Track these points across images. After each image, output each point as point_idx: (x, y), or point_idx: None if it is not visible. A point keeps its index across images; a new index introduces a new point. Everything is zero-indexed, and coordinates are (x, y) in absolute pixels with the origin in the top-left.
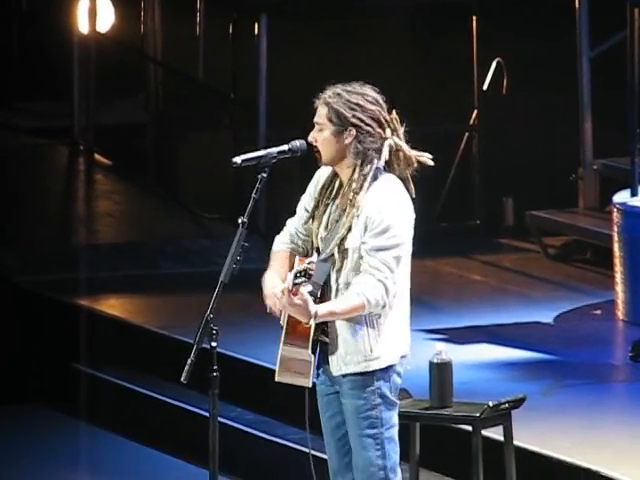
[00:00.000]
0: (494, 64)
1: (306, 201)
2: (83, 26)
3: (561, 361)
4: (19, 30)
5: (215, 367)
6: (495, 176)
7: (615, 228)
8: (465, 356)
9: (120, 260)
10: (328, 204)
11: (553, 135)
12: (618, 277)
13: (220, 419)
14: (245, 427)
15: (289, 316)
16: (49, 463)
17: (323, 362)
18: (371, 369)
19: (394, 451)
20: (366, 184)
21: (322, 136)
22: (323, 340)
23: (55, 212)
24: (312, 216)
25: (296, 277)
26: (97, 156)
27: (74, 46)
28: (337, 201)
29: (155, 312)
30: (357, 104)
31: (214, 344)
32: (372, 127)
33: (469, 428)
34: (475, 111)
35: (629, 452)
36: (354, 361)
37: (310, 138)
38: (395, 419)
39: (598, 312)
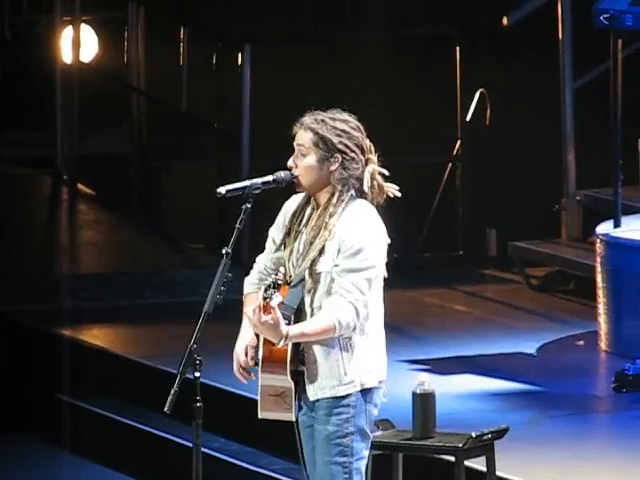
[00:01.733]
0: (477, 95)
1: (274, 233)
2: (67, 56)
3: (544, 392)
4: (2, 59)
5: (199, 397)
6: (478, 207)
7: (598, 259)
8: (448, 387)
9: (104, 290)
10: (300, 230)
11: (536, 165)
12: (601, 308)
13: (204, 449)
14: (229, 458)
15: (265, 345)
16: None
17: (302, 391)
18: (345, 393)
19: None
20: (340, 209)
21: (306, 162)
22: (301, 370)
23: (38, 242)
24: (283, 244)
25: (265, 291)
26: (80, 186)
27: (57, 76)
28: (310, 224)
29: (139, 342)
30: (343, 130)
31: (197, 374)
32: (356, 154)
33: (452, 459)
34: (458, 142)
35: None
36: (329, 385)
37: (290, 163)
38: (365, 452)
39: (581, 343)
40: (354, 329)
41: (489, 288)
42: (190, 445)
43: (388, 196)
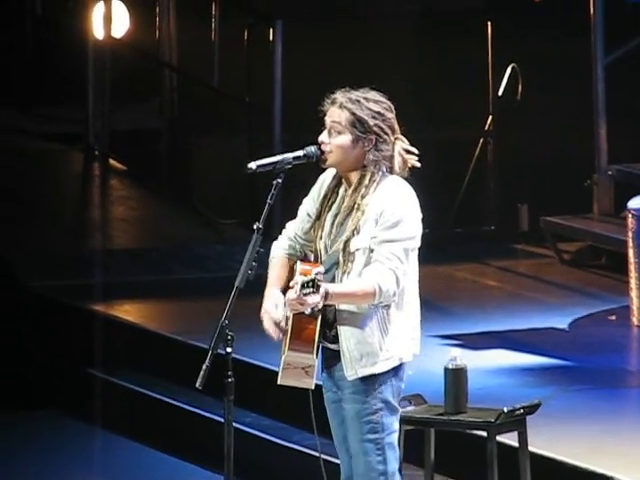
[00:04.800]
0: (509, 69)
1: (308, 205)
2: (98, 31)
3: (576, 367)
4: (34, 35)
5: (230, 373)
6: (510, 182)
7: (630, 234)
8: (480, 362)
9: (135, 266)
10: (331, 211)
11: (568, 140)
12: (633, 283)
13: (235, 425)
14: (261, 433)
15: (294, 321)
16: (63, 469)
17: (329, 368)
18: (384, 369)
19: (394, 457)
20: (372, 189)
21: (340, 140)
22: (327, 346)
23: (70, 217)
24: (314, 223)
25: (303, 287)
26: (112, 161)
27: (89, 51)
28: (343, 205)
29: (170, 317)
30: (378, 112)
31: (229, 350)
32: (388, 135)
33: (484, 434)
34: (490, 117)
35: None
36: (369, 363)
37: (322, 138)
38: (396, 425)
39: (613, 318)
40: (393, 296)
41: (521, 263)
42: (221, 420)
43: (413, 169)
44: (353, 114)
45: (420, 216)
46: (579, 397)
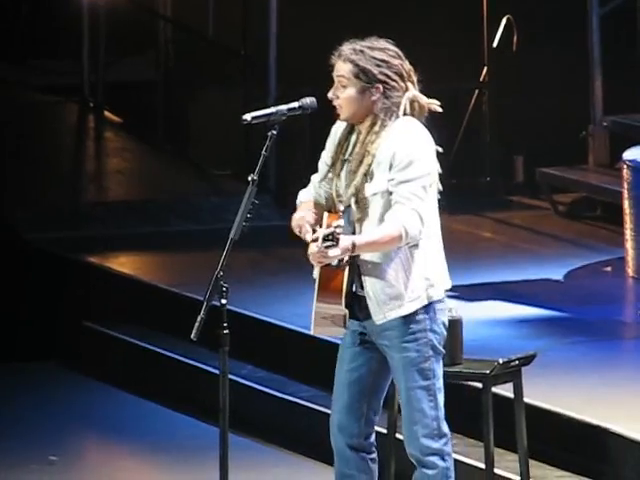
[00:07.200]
0: (504, 21)
1: (325, 156)
2: None
3: (571, 318)
4: None
5: (225, 324)
6: (505, 133)
7: (625, 185)
8: (475, 313)
9: (130, 218)
10: (345, 159)
11: (563, 92)
12: (628, 234)
13: (230, 376)
14: (256, 385)
15: (321, 273)
16: (59, 420)
17: (358, 315)
18: (413, 309)
19: (442, 401)
20: (383, 133)
21: (346, 93)
22: (358, 293)
23: (65, 170)
24: (329, 171)
25: (324, 241)
26: (107, 113)
27: (83, 3)
28: (354, 152)
29: (165, 270)
30: (383, 60)
31: (224, 301)
32: (397, 82)
33: (479, 385)
34: (485, 68)
35: None
36: (396, 305)
37: (331, 95)
38: (441, 370)
39: (608, 269)
40: (420, 234)
41: (516, 214)
42: (217, 372)
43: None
44: (357, 65)
45: (434, 150)
46: (574, 348)
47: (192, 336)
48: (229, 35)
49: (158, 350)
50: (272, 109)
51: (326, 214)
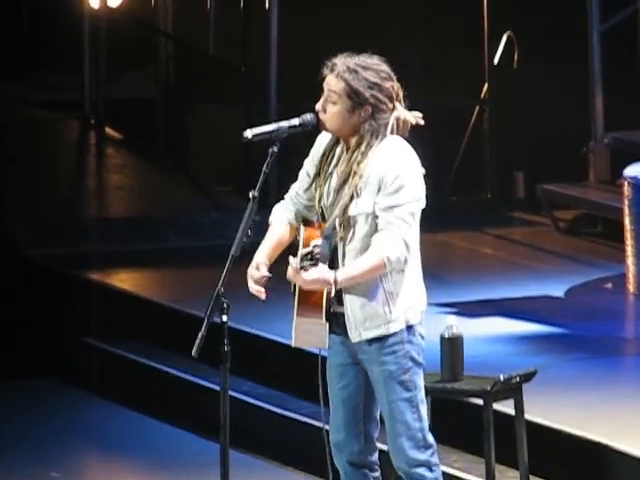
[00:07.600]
0: (505, 37)
1: (308, 165)
2: (94, 0)
3: (572, 335)
4: (30, 3)
5: (226, 341)
6: (506, 150)
7: (626, 201)
8: (476, 330)
9: (131, 234)
10: (330, 171)
11: (564, 108)
12: (629, 250)
13: (231, 393)
14: (257, 401)
15: (300, 288)
16: (59, 437)
17: (338, 331)
18: (392, 331)
19: (425, 413)
20: (369, 153)
21: (334, 109)
22: (337, 310)
23: (66, 186)
24: (313, 181)
25: (302, 260)
26: (108, 130)
27: (85, 19)
28: (339, 169)
29: (166, 286)
30: (375, 83)
31: (225, 318)
32: (386, 104)
33: (480, 402)
34: (486, 85)
35: None
36: (374, 325)
37: (318, 107)
38: (422, 381)
39: (609, 286)
40: (405, 262)
41: (517, 231)
42: (218, 389)
43: (413, 130)
44: (349, 85)
45: (422, 173)
46: (575, 365)
47: (193, 353)
48: (230, 51)
49: (158, 366)
50: (273, 126)
51: (302, 228)
